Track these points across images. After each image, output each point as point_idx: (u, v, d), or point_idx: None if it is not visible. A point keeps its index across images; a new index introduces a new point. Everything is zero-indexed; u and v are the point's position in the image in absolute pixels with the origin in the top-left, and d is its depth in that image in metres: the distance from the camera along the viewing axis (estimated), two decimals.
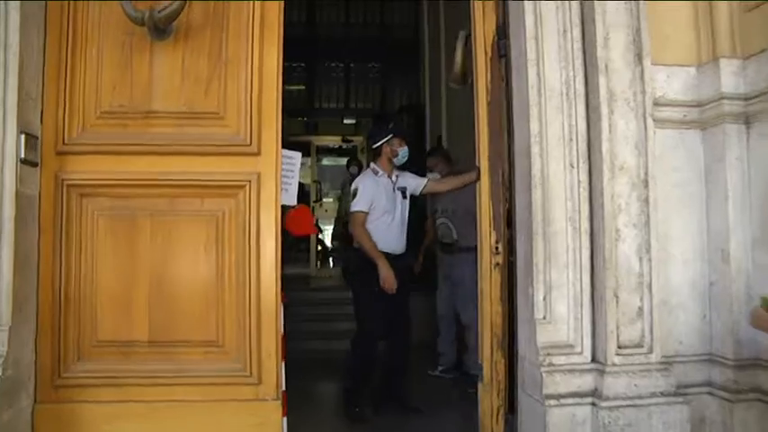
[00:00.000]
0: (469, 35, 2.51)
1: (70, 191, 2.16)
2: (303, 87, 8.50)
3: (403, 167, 3.29)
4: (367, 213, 3.11)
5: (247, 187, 2.20)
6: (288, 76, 3.20)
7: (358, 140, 8.37)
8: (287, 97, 2.45)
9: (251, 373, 2.18)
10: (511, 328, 2.38)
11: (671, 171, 2.23)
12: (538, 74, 2.17)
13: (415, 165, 3.46)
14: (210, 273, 2.20)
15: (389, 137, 3.19)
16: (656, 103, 2.18)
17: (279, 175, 2.23)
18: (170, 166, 2.18)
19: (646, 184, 2.14)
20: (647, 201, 2.15)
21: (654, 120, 2.15)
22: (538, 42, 2.17)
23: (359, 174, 4.55)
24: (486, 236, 2.36)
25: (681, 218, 2.24)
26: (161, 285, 2.18)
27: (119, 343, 2.16)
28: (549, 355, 2.12)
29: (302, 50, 7.07)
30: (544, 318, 2.14)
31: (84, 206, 2.17)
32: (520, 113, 2.25)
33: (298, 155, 2.49)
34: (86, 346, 2.15)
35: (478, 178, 2.47)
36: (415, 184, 3.28)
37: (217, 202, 2.22)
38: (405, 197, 3.23)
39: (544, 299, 2.15)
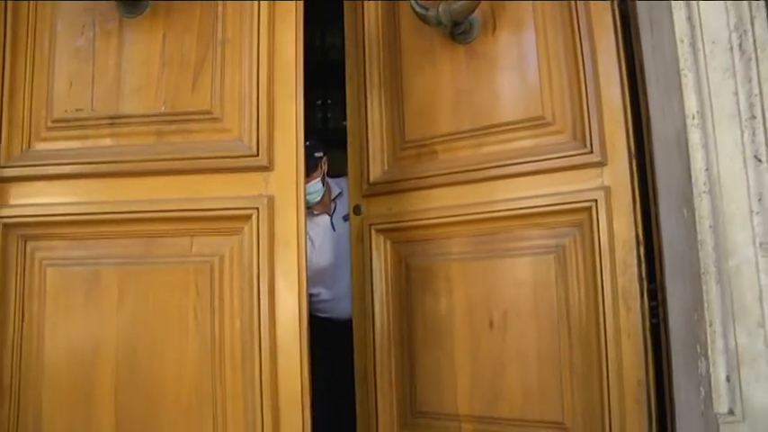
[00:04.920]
0: None
1: (9, 232, 1.59)
2: None
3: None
4: None
5: (254, 217, 1.56)
6: None
7: None
8: None
9: None
10: None
11: None
12: (689, 18, 1.48)
13: None
14: (204, 349, 1.55)
15: None
16: None
17: (301, 198, 1.62)
18: (145, 191, 1.59)
19: None
20: None
21: None
22: None
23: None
24: (634, 281, 1.64)
25: None
26: (133, 369, 1.56)
27: None
28: None
29: None
30: (731, 412, 1.39)
31: (29, 254, 1.60)
32: (662, 83, 1.56)
33: None
34: None
35: None
36: None
37: (212, 241, 1.59)
38: None
39: (728, 380, 1.41)
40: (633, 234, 1.66)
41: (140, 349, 1.57)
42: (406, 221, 1.96)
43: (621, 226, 1.67)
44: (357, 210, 2.08)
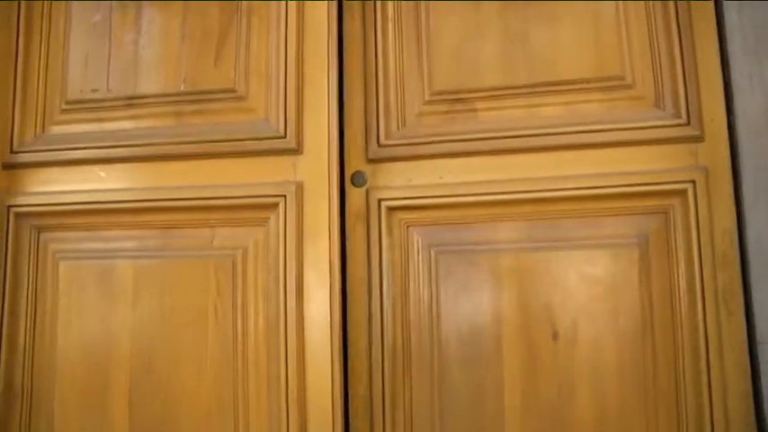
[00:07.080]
0: None
1: (22, 222, 1.52)
2: None
3: None
4: None
5: (281, 206, 1.43)
6: None
7: None
8: None
9: None
10: None
11: None
12: None
13: None
14: (225, 352, 1.43)
15: None
16: None
17: (334, 185, 1.46)
18: (163, 177, 1.48)
19: None
20: None
21: None
22: None
23: None
24: (737, 279, 1.40)
25: None
26: (149, 370, 1.45)
27: None
28: None
29: None
30: None
31: (42, 245, 1.52)
32: (750, 43, 1.33)
33: None
34: None
35: None
36: None
37: (234, 232, 1.47)
38: None
39: None
40: (734, 223, 1.42)
41: (157, 349, 1.46)
42: (434, 197, 1.54)
43: (720, 213, 1.42)
44: (358, 178, 1.59)
